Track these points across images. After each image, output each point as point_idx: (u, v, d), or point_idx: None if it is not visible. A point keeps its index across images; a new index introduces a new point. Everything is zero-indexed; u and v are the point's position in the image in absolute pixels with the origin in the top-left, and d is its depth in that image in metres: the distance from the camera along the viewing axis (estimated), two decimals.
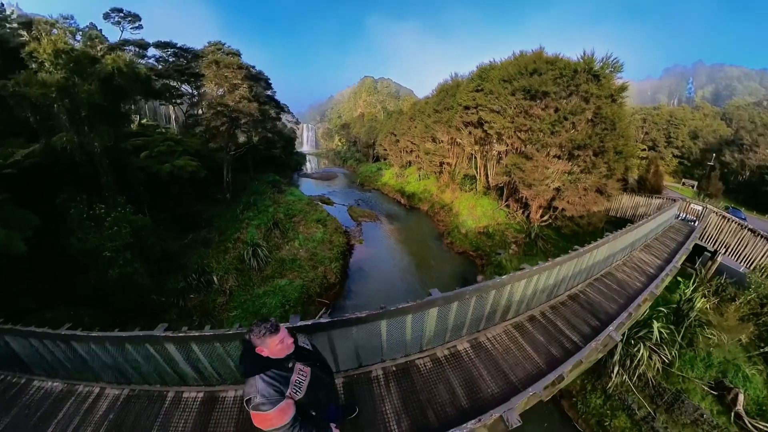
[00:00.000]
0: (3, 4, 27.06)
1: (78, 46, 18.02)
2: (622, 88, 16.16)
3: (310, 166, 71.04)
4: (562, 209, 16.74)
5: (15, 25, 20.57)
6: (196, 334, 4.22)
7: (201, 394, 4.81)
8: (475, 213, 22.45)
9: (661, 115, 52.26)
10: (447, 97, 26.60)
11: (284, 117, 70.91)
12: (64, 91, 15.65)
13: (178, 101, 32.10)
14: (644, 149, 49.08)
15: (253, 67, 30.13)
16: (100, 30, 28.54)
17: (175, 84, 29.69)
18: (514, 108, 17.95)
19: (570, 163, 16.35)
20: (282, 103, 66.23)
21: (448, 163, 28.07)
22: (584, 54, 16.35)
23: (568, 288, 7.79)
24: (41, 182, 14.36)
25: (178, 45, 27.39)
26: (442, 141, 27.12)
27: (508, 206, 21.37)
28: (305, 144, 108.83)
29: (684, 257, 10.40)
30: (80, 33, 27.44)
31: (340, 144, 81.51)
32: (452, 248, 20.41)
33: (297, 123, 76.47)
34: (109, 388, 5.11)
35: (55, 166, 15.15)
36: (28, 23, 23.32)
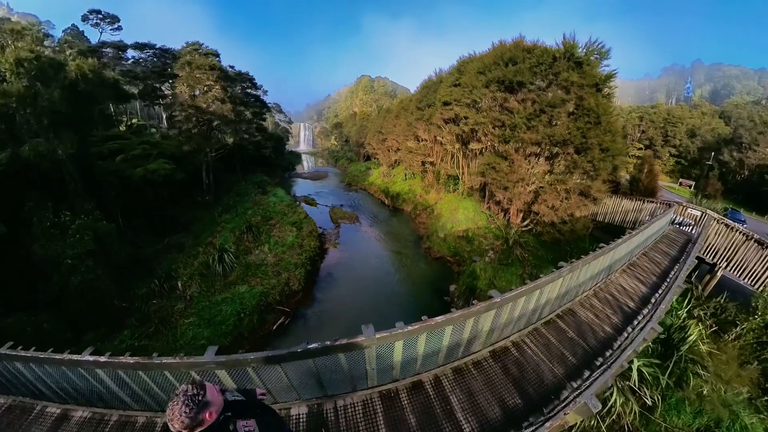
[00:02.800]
0: None
1: (47, 52, 17.52)
2: (608, 77, 14.67)
3: (306, 165, 70.59)
4: (541, 214, 16.00)
5: None
6: (119, 360, 4.46)
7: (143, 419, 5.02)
8: (456, 216, 21.79)
9: (658, 114, 51.10)
10: (429, 93, 25.91)
11: (277, 117, 70.76)
12: (25, 100, 15.45)
13: (162, 102, 31.72)
14: (641, 148, 48.01)
15: (232, 67, 29.69)
16: (82, 32, 28.17)
17: (157, 85, 29.34)
18: (490, 101, 17.17)
19: (549, 163, 15.60)
20: (274, 103, 66.12)
21: (431, 163, 27.42)
22: (564, 39, 14.75)
23: (509, 334, 5.94)
24: (9, 190, 14.32)
25: (158, 46, 26.98)
26: (424, 139, 26.47)
27: (489, 209, 20.71)
28: (302, 143, 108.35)
29: (679, 283, 7.71)
30: (63, 37, 27.08)
31: (335, 143, 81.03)
32: (430, 253, 19.73)
33: (290, 122, 75.87)
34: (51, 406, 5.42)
35: (24, 174, 15.01)
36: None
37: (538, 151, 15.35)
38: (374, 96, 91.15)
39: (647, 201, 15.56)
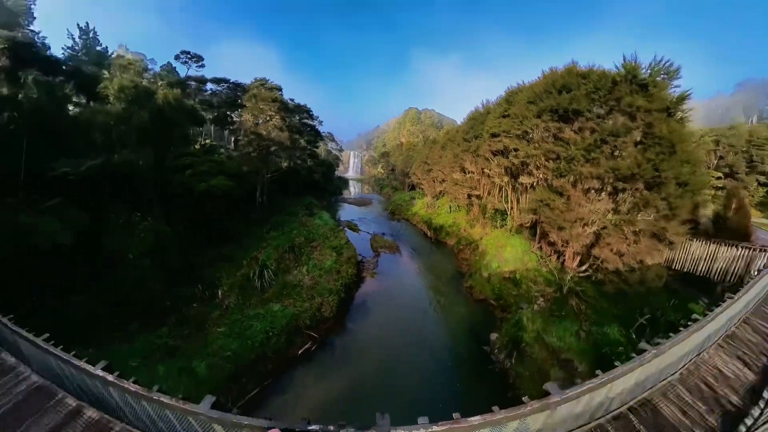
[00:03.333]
0: (107, 47, 33.46)
1: (144, 83, 20.80)
2: (681, 99, 12.62)
3: (353, 190, 73.35)
4: (603, 259, 13.88)
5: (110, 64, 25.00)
6: (123, 384, 4.60)
7: None
8: (502, 254, 20.03)
9: (738, 135, 43.06)
10: (476, 125, 25.41)
11: (329, 144, 75.59)
12: (122, 119, 18.28)
13: (230, 127, 35.55)
14: (719, 177, 40.97)
15: (292, 99, 32.83)
16: (174, 68, 33.43)
17: (228, 113, 33.18)
18: (542, 131, 15.98)
19: (613, 200, 13.67)
20: (327, 132, 70.88)
21: (477, 196, 26.23)
22: (624, 61, 13.27)
23: None
24: (97, 190, 16.66)
25: (231, 80, 31.51)
26: (471, 171, 25.60)
27: (540, 249, 18.72)
28: (350, 170, 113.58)
29: None
30: (160, 71, 32.63)
31: (381, 171, 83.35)
32: (471, 293, 18.10)
33: (340, 150, 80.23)
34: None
35: (111, 178, 17.36)
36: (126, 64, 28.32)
37: (600, 186, 13.59)
38: (421, 127, 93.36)
39: (742, 246, 12.50)
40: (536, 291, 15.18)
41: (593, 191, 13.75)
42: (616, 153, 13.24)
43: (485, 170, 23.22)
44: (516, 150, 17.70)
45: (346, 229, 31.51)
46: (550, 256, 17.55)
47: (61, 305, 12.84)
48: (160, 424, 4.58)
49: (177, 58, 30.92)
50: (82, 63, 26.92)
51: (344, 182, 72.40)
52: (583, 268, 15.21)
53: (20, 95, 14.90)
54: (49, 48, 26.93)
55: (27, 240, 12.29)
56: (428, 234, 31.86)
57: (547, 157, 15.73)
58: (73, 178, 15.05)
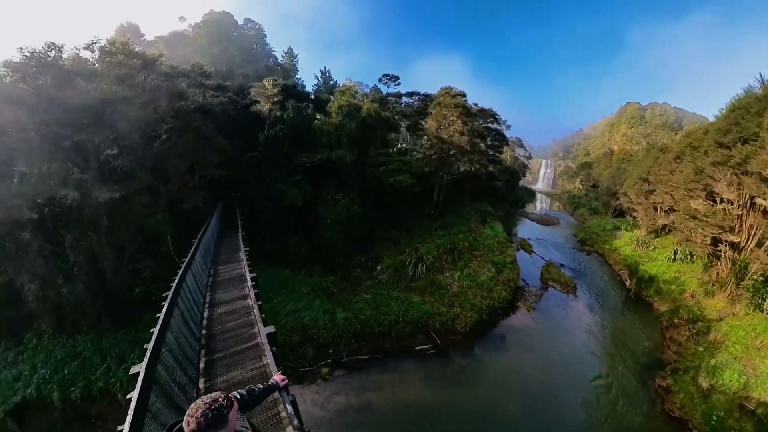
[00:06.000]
0: (336, 81, 46.66)
1: (355, 101, 27.25)
2: None
3: (539, 205, 64.85)
4: None
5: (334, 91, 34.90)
6: None
7: None
8: (755, 363, 11.68)
9: None
10: (746, 118, 15.42)
11: (517, 150, 68.96)
12: (338, 128, 24.38)
13: (420, 134, 39.66)
14: None
15: (476, 104, 32.42)
16: (378, 88, 41.80)
17: (419, 121, 37.12)
18: None
19: None
20: (515, 137, 65.06)
21: (731, 243, 16.38)
22: None
23: None
24: (318, 176, 24.00)
25: (422, 93, 36.52)
26: (727, 200, 16.24)
27: None
28: (540, 181, 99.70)
29: None
30: (368, 92, 42.59)
31: (579, 187, 68.21)
32: (668, 404, 11.46)
33: (529, 158, 71.85)
34: None
35: (326, 169, 24.28)
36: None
37: None
38: (644, 129, 67.56)
39: None
40: None
41: None
42: None
43: (759, 200, 14.21)
44: None
45: (516, 246, 28.29)
46: None
47: (283, 241, 20.75)
48: None
49: (380, 80, 38.71)
50: (320, 92, 38.97)
51: (530, 194, 64.65)
52: None
53: (285, 115, 23.48)
54: (304, 86, 42.65)
55: (280, 199, 20.80)
56: (627, 283, 23.06)
57: None
58: (309, 165, 22.73)
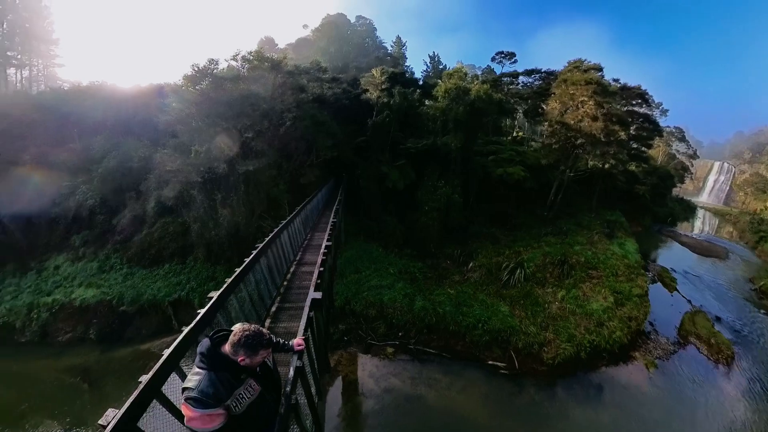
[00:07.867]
0: (446, 65, 44.87)
1: (464, 84, 25.36)
2: None
3: (699, 226, 48.15)
4: None
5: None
6: None
7: None
8: None
9: None
10: None
11: (674, 145, 52.63)
12: (444, 113, 23.32)
13: (540, 119, 34.53)
14: None
15: (617, 80, 25.85)
16: (492, 69, 38.39)
17: (540, 104, 32.27)
18: None
19: None
20: (674, 127, 49.92)
21: None
22: None
23: None
24: (422, 160, 24.02)
25: (543, 70, 30.63)
26: None
27: None
28: (705, 192, 74.39)
29: None
30: (479, 74, 39.42)
31: None
32: None
33: (693, 157, 54.26)
34: None
35: (433, 154, 23.99)
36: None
37: None
38: None
39: None
40: None
41: None
42: None
43: None
44: None
45: (653, 277, 21.52)
46: None
47: (381, 221, 21.83)
48: None
49: (493, 59, 35.22)
50: (429, 78, 38.37)
51: (686, 208, 47.49)
52: None
53: (391, 101, 23.87)
54: (413, 73, 41.93)
55: (384, 181, 21.74)
56: None
57: None
58: (413, 150, 23.07)
